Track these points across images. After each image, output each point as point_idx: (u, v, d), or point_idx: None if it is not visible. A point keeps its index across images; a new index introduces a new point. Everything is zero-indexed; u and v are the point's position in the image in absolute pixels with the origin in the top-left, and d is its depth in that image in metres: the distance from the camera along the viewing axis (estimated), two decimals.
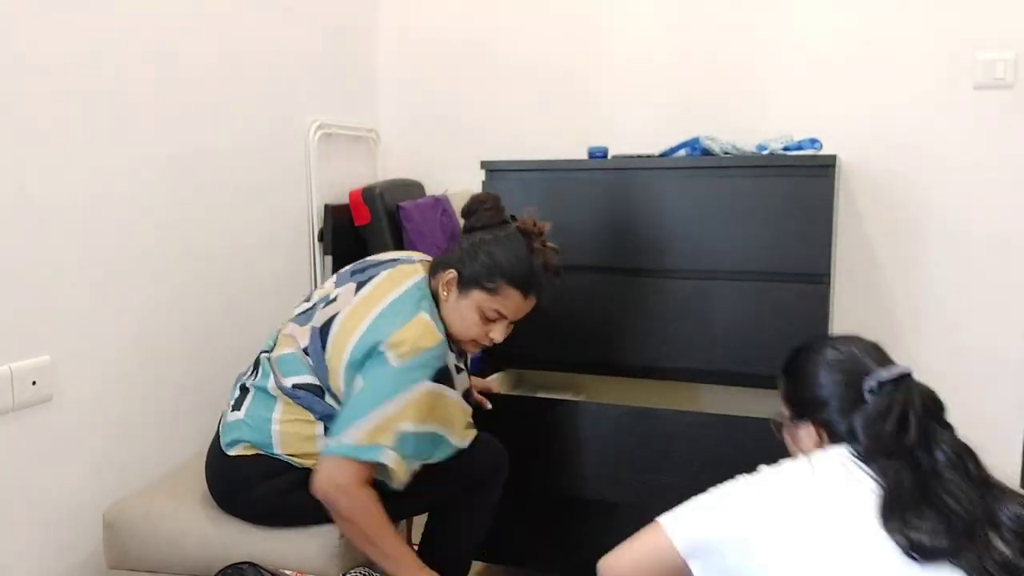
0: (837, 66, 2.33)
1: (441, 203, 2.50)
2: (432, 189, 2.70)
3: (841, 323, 2.37)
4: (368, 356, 1.52)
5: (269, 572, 1.51)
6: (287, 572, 1.54)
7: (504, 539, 2.08)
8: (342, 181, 2.53)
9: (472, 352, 1.74)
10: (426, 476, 1.66)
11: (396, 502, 1.68)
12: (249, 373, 1.71)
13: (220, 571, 1.52)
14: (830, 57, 2.33)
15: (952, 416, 2.36)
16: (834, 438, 1.19)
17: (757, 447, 1.81)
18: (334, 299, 1.64)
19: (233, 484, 1.61)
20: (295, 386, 1.59)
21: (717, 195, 2.02)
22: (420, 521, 2.29)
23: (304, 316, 1.67)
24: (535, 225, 1.69)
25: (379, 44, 2.79)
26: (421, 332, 1.54)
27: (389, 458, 1.49)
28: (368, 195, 2.44)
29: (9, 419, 1.59)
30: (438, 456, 1.64)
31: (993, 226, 2.25)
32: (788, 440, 1.31)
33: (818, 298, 1.96)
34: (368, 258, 1.80)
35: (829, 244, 1.95)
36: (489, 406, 1.94)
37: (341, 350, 1.56)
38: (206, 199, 2.05)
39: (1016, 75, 2.18)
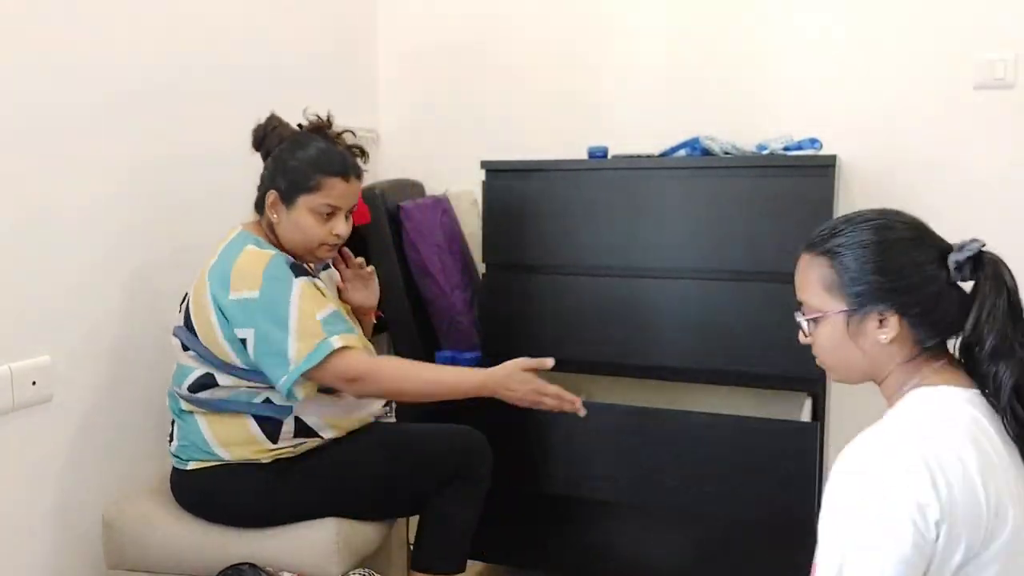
0: (837, 66, 2.33)
1: (441, 203, 2.49)
2: (432, 189, 2.70)
3: None
4: (227, 311, 1.54)
5: (268, 573, 1.51)
6: (286, 573, 1.54)
7: (503, 539, 2.08)
8: None
9: (327, 257, 1.73)
10: (408, 474, 1.67)
11: (383, 504, 1.69)
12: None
13: (220, 572, 1.52)
14: (830, 57, 2.33)
15: None
16: (921, 327, 1.07)
17: (757, 447, 1.82)
18: (185, 297, 1.67)
19: (204, 496, 1.62)
20: (190, 388, 1.60)
21: (717, 195, 2.02)
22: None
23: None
24: (319, 118, 1.71)
25: (379, 44, 2.79)
26: (248, 259, 1.57)
27: (337, 341, 1.52)
28: (368, 195, 2.44)
29: (9, 419, 1.59)
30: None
31: (993, 226, 2.24)
32: (825, 338, 1.18)
33: None
34: None
35: None
36: (582, 413, 1.72)
37: (207, 323, 1.57)
38: (206, 199, 2.05)
39: (1016, 75, 2.18)
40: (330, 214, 1.64)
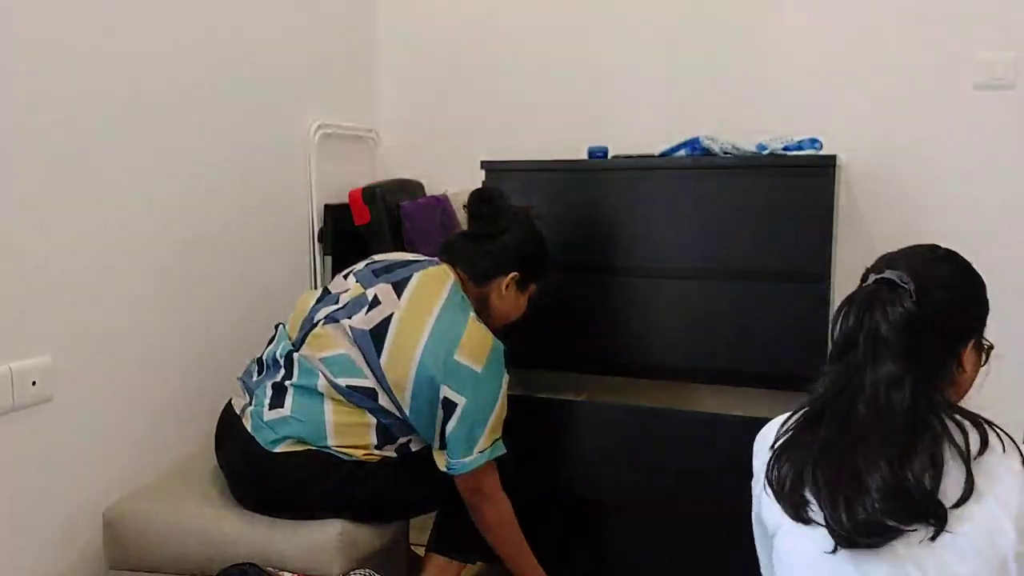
0: (837, 66, 2.32)
1: (441, 203, 2.50)
2: (432, 189, 2.70)
3: None
4: (446, 369, 1.60)
5: (269, 573, 1.51)
6: (287, 573, 1.54)
7: None
8: (342, 181, 2.53)
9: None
10: (431, 474, 1.69)
11: (408, 499, 1.70)
12: (271, 372, 1.70)
13: (221, 571, 1.52)
14: (830, 57, 2.33)
15: None
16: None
17: None
18: (374, 301, 1.66)
19: (285, 483, 1.61)
20: (350, 387, 1.61)
21: (717, 195, 2.02)
22: (418, 522, 2.29)
23: (337, 316, 1.67)
24: (533, 208, 1.86)
25: (379, 44, 2.79)
26: (482, 331, 1.67)
27: (504, 448, 1.67)
28: (368, 195, 2.44)
29: (9, 419, 1.59)
30: None
31: (993, 226, 2.24)
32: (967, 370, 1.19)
33: (818, 298, 1.96)
34: (380, 257, 1.82)
35: (829, 244, 1.95)
36: None
37: (406, 362, 1.61)
38: (206, 199, 2.05)
39: (1016, 75, 2.18)
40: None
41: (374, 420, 1.63)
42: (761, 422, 1.84)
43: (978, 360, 1.18)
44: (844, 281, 2.36)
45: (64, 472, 1.71)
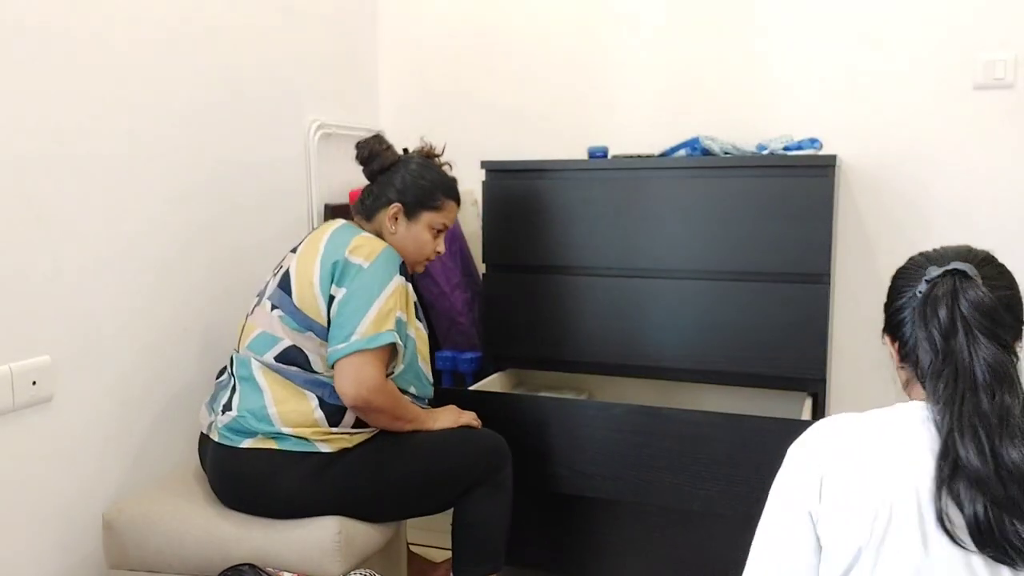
0: (837, 66, 2.33)
1: None
2: None
3: (841, 323, 2.37)
4: (335, 270, 1.67)
5: (268, 573, 1.51)
6: (286, 573, 1.54)
7: None
8: (342, 181, 2.53)
9: (419, 271, 1.94)
10: (437, 475, 1.70)
11: (416, 501, 1.70)
12: (222, 383, 1.76)
13: (221, 573, 1.52)
14: (830, 57, 2.33)
15: None
16: (903, 353, 1.11)
17: (757, 447, 1.82)
18: (278, 270, 1.78)
19: (252, 478, 1.61)
20: (276, 358, 1.66)
21: (717, 195, 2.03)
22: (416, 522, 2.29)
23: (258, 300, 1.78)
24: (432, 147, 1.94)
25: (379, 44, 2.79)
26: (373, 239, 1.74)
27: (395, 338, 1.66)
28: None
29: (9, 419, 1.59)
30: (412, 376, 1.78)
31: (993, 226, 2.24)
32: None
33: (818, 298, 1.96)
34: None
35: (829, 244, 1.95)
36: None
37: (308, 282, 1.68)
38: (206, 199, 2.05)
39: (1016, 75, 2.18)
40: (439, 232, 1.88)
41: (312, 396, 1.65)
42: (761, 422, 1.85)
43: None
44: (844, 281, 2.37)
45: (64, 472, 1.71)
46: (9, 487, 1.60)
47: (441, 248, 1.90)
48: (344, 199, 2.50)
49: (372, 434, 1.70)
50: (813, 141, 2.10)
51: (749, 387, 2.11)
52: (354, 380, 1.61)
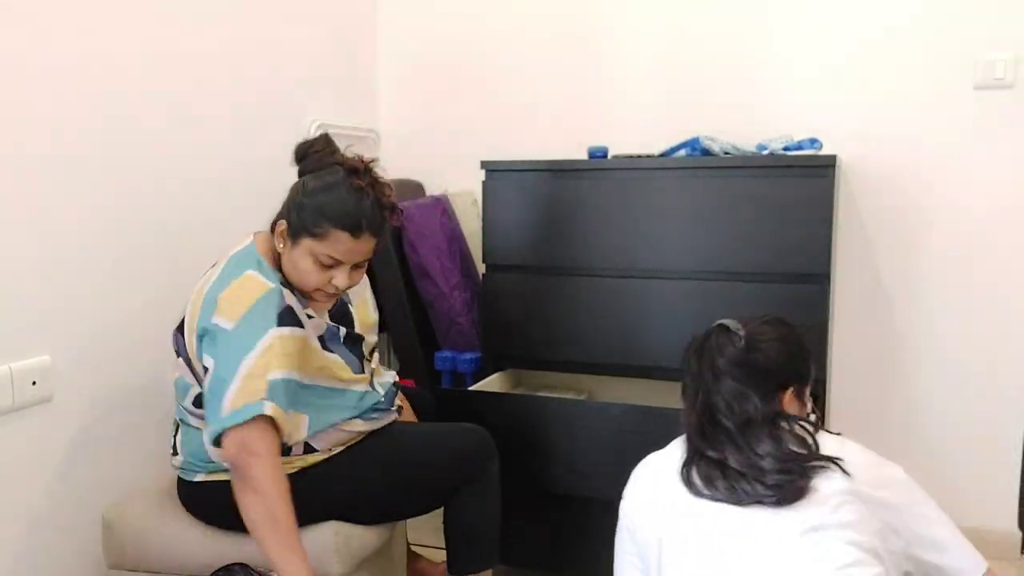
0: (837, 66, 2.33)
1: (441, 203, 2.49)
2: (432, 189, 2.70)
3: (841, 323, 2.37)
4: (204, 334, 1.48)
5: (259, 573, 1.50)
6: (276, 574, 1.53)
7: (502, 538, 2.08)
8: None
9: (323, 305, 1.64)
10: (420, 475, 1.68)
11: (401, 502, 1.69)
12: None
13: (212, 574, 1.51)
14: (830, 57, 2.33)
15: (954, 415, 2.38)
16: None
17: None
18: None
19: (219, 507, 1.55)
20: (194, 404, 1.58)
21: (717, 195, 2.02)
22: (416, 522, 2.29)
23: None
24: (361, 161, 1.60)
25: (379, 44, 2.79)
26: (244, 287, 1.49)
27: (268, 408, 1.41)
28: None
29: (9, 419, 1.59)
30: (340, 408, 1.61)
31: (993, 226, 2.24)
32: None
33: (818, 298, 1.96)
34: None
35: (829, 244, 1.95)
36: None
37: (192, 337, 1.52)
38: (206, 199, 2.05)
39: (1016, 75, 2.18)
40: (330, 265, 1.54)
41: None
42: None
43: (801, 407, 1.36)
44: (844, 281, 2.37)
45: (64, 472, 1.71)
46: (9, 487, 1.60)
47: (339, 282, 1.55)
48: None
49: (332, 454, 1.63)
50: (813, 141, 2.10)
51: None
52: (226, 455, 1.43)
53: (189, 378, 1.58)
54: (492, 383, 2.25)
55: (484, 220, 2.25)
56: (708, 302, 2.05)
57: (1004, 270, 2.25)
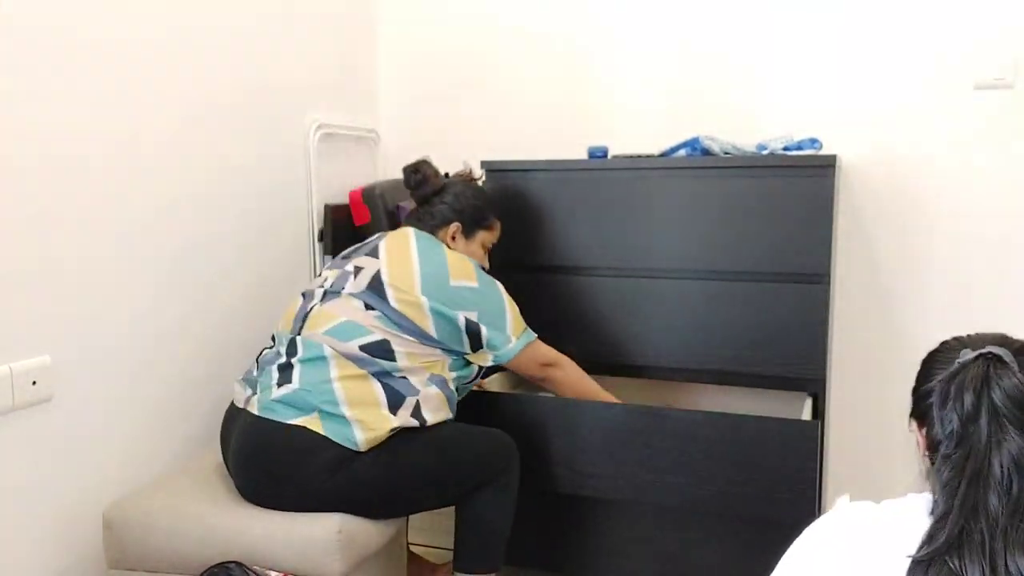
0: (837, 66, 2.33)
1: None
2: None
3: (841, 323, 2.37)
4: (450, 298, 1.79)
5: (255, 572, 1.50)
6: (273, 572, 1.53)
7: None
8: (342, 181, 2.53)
9: None
10: (452, 475, 1.72)
11: (425, 498, 1.70)
12: (274, 359, 1.74)
13: (206, 570, 1.51)
14: (830, 57, 2.33)
15: None
16: (931, 440, 1.02)
17: (757, 447, 1.82)
18: (356, 270, 1.82)
19: (286, 454, 1.61)
20: (361, 347, 1.71)
21: (717, 195, 2.03)
22: (416, 522, 2.29)
23: (333, 294, 1.79)
24: (471, 171, 2.10)
25: (379, 44, 2.79)
26: (457, 254, 1.89)
27: (535, 335, 1.93)
28: (368, 195, 2.44)
29: (9, 419, 1.59)
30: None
31: (993, 226, 2.25)
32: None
33: (818, 298, 1.96)
34: (340, 255, 1.96)
35: (829, 244, 1.95)
36: None
37: (413, 293, 1.77)
38: (206, 199, 2.05)
39: (1016, 75, 2.18)
40: (488, 250, 2.05)
41: (377, 383, 1.69)
42: (761, 421, 1.85)
43: None
44: (844, 281, 2.37)
45: (64, 472, 1.71)
46: (9, 486, 1.60)
47: (486, 265, 2.03)
48: (344, 199, 2.50)
49: (408, 427, 1.71)
50: (813, 141, 2.10)
51: (749, 387, 2.11)
52: (532, 365, 1.91)
53: (372, 326, 1.73)
54: (492, 383, 2.25)
55: None
56: (708, 302, 2.05)
57: (1004, 270, 2.25)
